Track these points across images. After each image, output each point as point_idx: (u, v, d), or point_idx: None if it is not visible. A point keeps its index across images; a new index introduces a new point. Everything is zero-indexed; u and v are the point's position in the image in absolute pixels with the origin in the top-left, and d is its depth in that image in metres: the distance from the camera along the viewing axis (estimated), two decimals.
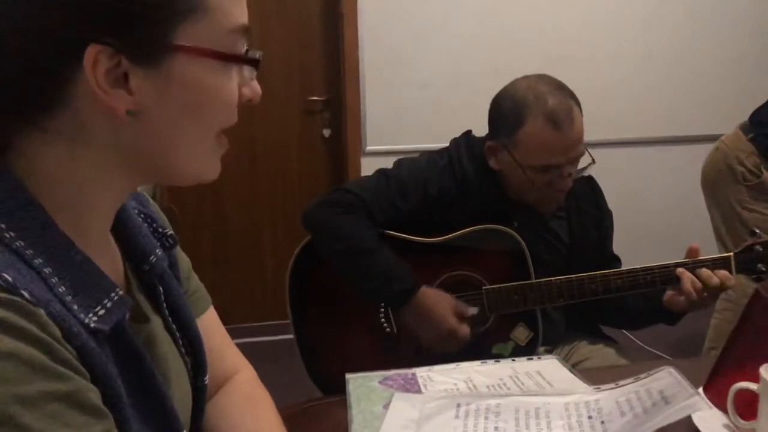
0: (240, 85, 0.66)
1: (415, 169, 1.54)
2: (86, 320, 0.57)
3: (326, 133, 3.51)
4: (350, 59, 3.29)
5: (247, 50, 0.65)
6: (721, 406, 0.99)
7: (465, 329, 1.45)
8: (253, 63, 0.65)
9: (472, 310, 1.47)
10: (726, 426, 0.98)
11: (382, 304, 1.55)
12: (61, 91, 0.58)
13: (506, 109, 1.46)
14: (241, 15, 0.64)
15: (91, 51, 0.56)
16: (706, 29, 3.60)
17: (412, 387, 1.12)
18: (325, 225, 1.49)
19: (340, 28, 3.34)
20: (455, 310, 1.45)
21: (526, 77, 1.49)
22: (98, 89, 0.57)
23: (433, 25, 3.33)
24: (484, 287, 1.50)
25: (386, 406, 1.05)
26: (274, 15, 3.36)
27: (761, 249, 1.41)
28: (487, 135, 1.55)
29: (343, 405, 1.08)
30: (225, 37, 0.62)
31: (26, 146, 0.59)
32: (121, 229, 0.72)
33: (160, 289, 0.75)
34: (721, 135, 3.83)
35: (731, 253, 1.42)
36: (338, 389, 1.15)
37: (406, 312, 1.46)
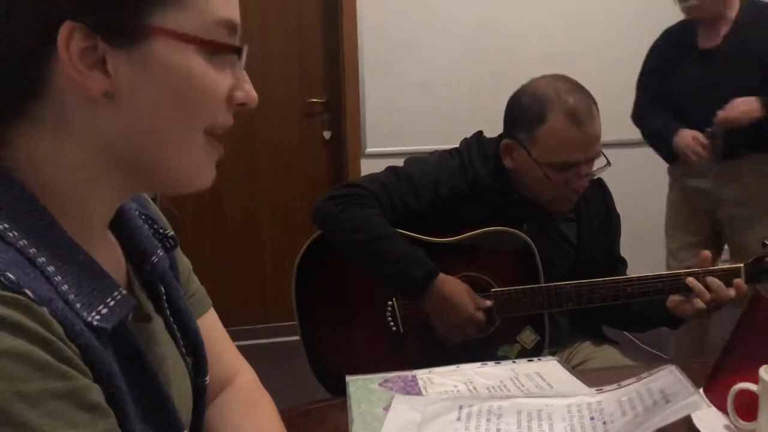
0: (233, 87, 0.65)
1: (426, 169, 1.54)
2: (89, 319, 0.57)
3: (326, 135, 3.52)
4: (349, 61, 3.30)
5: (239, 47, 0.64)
6: (721, 406, 0.99)
7: (482, 317, 1.45)
8: (235, 51, 0.64)
9: (487, 303, 1.48)
10: (726, 427, 0.98)
11: (390, 304, 1.55)
12: (39, 75, 0.58)
13: (526, 106, 1.46)
14: (224, 8, 0.63)
15: (64, 29, 0.56)
16: None
17: (412, 389, 1.12)
18: (337, 218, 1.49)
19: (339, 30, 3.34)
20: (472, 298, 1.46)
21: (544, 76, 1.50)
22: (72, 69, 0.57)
23: (433, 26, 3.33)
24: (493, 289, 1.50)
25: (386, 408, 1.05)
26: (274, 17, 3.37)
27: None
28: (501, 134, 1.55)
29: (344, 407, 1.08)
30: (208, 28, 0.61)
31: (17, 139, 0.59)
32: (123, 229, 0.72)
33: (162, 289, 0.75)
34: None
35: (741, 264, 1.42)
36: (343, 387, 1.15)
37: (425, 298, 1.45)
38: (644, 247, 3.10)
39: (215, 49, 0.62)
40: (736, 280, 1.38)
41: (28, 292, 0.52)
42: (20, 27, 0.56)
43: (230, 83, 0.65)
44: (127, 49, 0.58)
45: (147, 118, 0.60)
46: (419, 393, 1.11)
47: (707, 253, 1.44)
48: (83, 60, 0.57)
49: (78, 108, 0.59)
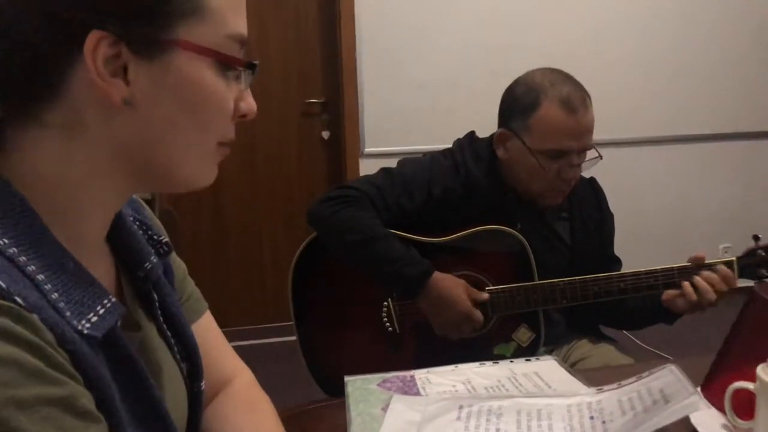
0: (236, 99, 0.66)
1: (419, 169, 1.55)
2: (79, 327, 0.57)
3: (325, 135, 3.52)
4: (348, 61, 3.30)
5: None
6: (718, 405, 0.99)
7: (479, 313, 1.46)
8: (250, 66, 0.66)
9: (484, 296, 1.48)
10: (724, 426, 0.98)
11: (385, 304, 1.55)
12: (60, 79, 0.58)
13: (520, 95, 1.48)
14: (239, 24, 0.65)
15: (93, 37, 0.57)
16: (706, 30, 3.61)
17: (410, 389, 1.12)
18: (332, 219, 1.49)
19: (337, 31, 3.34)
20: (469, 293, 1.46)
21: (539, 68, 1.52)
22: (96, 76, 0.58)
23: (431, 26, 3.33)
24: (487, 288, 1.50)
25: (385, 408, 1.05)
26: (272, 18, 3.37)
27: (764, 253, 1.41)
28: (493, 133, 1.56)
29: (342, 407, 1.08)
30: (222, 42, 0.63)
31: (22, 143, 0.60)
32: (116, 235, 0.72)
33: (155, 295, 0.75)
34: (721, 134, 3.84)
35: (734, 258, 1.42)
36: (341, 389, 1.15)
37: (422, 297, 1.46)
38: (642, 247, 3.11)
39: (230, 64, 0.64)
40: (722, 269, 1.39)
41: (18, 299, 0.52)
42: (47, 32, 0.57)
43: (235, 96, 0.66)
44: (149, 59, 0.59)
45: (159, 126, 0.62)
46: (418, 393, 1.11)
47: (701, 254, 1.44)
48: (106, 67, 0.58)
49: (94, 113, 0.60)
